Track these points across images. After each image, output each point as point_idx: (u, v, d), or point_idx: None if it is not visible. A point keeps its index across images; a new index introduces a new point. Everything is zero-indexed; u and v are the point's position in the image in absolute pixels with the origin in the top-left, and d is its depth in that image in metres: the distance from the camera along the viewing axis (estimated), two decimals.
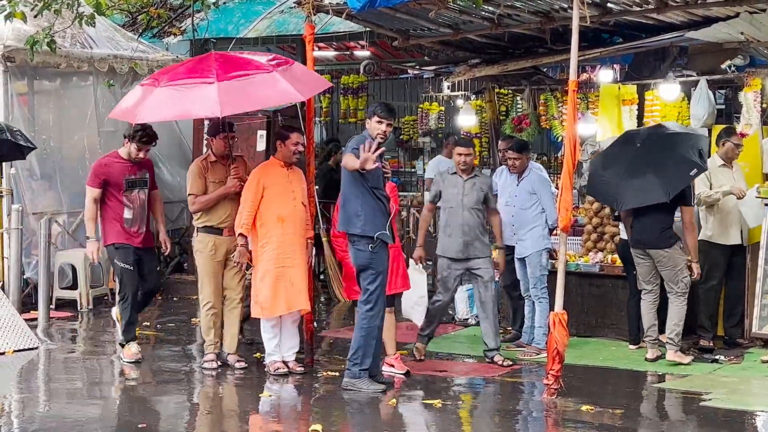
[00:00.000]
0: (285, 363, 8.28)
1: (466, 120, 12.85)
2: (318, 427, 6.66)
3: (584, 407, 7.31)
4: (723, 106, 12.58)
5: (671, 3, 8.87)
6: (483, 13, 9.54)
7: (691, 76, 11.23)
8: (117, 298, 8.80)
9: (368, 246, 7.59)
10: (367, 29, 11.70)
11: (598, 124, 11.47)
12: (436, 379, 8.26)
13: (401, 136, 15.74)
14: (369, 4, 8.49)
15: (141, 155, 8.68)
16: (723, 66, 11.05)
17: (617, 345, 9.44)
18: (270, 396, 7.69)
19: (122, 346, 8.78)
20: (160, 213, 9.10)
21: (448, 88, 14.03)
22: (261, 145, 11.75)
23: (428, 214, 9.17)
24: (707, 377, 8.40)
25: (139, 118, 8.22)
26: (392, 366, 8.22)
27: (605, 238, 10.42)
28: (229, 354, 8.53)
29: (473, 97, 13.60)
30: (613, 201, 8.99)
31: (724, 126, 10.12)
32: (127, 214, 8.63)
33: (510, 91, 12.92)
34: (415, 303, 8.92)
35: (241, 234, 8.16)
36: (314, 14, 9.13)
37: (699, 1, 8.80)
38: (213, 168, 8.49)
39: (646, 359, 8.81)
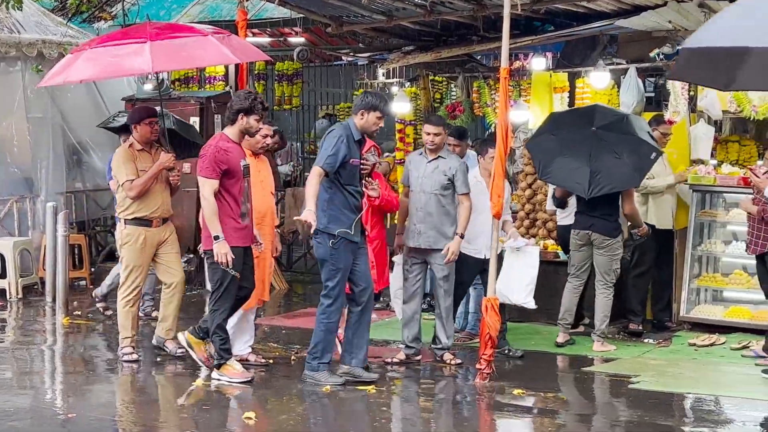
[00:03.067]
0: (244, 359, 8.04)
1: (401, 107, 12.85)
2: (251, 414, 6.66)
3: (516, 391, 7.41)
4: (652, 94, 12.76)
5: None
6: (416, 0, 9.58)
7: (620, 64, 11.39)
8: (208, 308, 7.70)
9: (329, 242, 7.40)
10: (301, 15, 11.66)
11: (530, 111, 11.57)
12: (371, 365, 8.28)
13: (337, 122, 15.71)
14: None
15: (262, 126, 7.69)
16: (652, 54, 11.22)
17: (549, 330, 9.54)
18: (203, 384, 7.64)
19: (218, 367, 7.60)
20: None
21: (383, 75, 14.03)
22: None
23: (405, 199, 8.38)
24: (636, 360, 8.55)
25: (69, 78, 8.03)
26: None
27: (538, 224, 10.54)
28: (167, 340, 8.34)
29: (408, 84, 13.61)
30: (581, 188, 8.71)
31: (653, 114, 10.28)
32: (243, 207, 7.50)
33: (444, 78, 12.97)
34: (393, 295, 8.56)
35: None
36: (247, 0, 9.09)
37: None
38: (140, 156, 8.16)
39: (556, 344, 8.92)
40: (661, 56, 11.18)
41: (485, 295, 7.72)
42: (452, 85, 12.85)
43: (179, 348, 8.25)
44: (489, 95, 11.97)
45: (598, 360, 8.57)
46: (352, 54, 13.42)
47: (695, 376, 8.07)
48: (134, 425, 6.72)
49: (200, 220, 7.80)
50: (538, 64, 12.35)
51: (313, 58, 14.30)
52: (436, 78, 13.07)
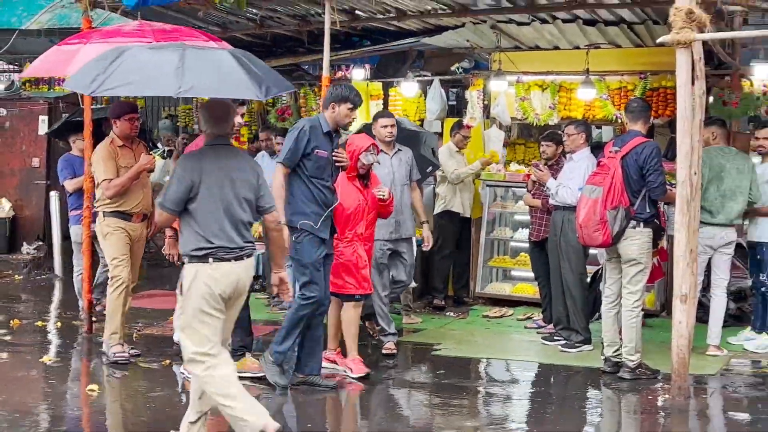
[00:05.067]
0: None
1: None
2: (94, 387, 6.44)
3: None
4: (454, 102, 13.06)
5: (409, 12, 9.13)
6: (248, 14, 9.47)
7: (426, 76, 11.61)
8: None
9: (292, 236, 6.36)
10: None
11: None
12: None
13: (177, 123, 15.34)
14: (141, 2, 8.24)
15: (238, 120, 6.37)
16: (452, 68, 11.50)
17: None
18: (50, 360, 7.32)
19: (242, 355, 6.82)
20: None
21: None
22: (42, 129, 11.20)
23: None
24: (439, 331, 8.72)
25: (70, 71, 6.87)
26: (334, 362, 7.07)
27: None
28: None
29: None
30: None
31: (456, 119, 10.52)
32: None
33: None
34: None
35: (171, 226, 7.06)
36: (91, 9, 8.75)
37: (431, 12, 9.10)
38: (121, 152, 7.24)
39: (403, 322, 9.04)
40: (461, 70, 11.46)
41: None
42: None
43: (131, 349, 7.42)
44: (314, 100, 11.97)
45: (407, 331, 8.69)
46: None
47: (488, 343, 8.29)
48: None
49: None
50: (357, 74, 12.44)
51: None
52: None
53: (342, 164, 6.61)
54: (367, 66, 13.23)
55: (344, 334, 7.04)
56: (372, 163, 6.99)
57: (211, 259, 4.94)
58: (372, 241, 7.16)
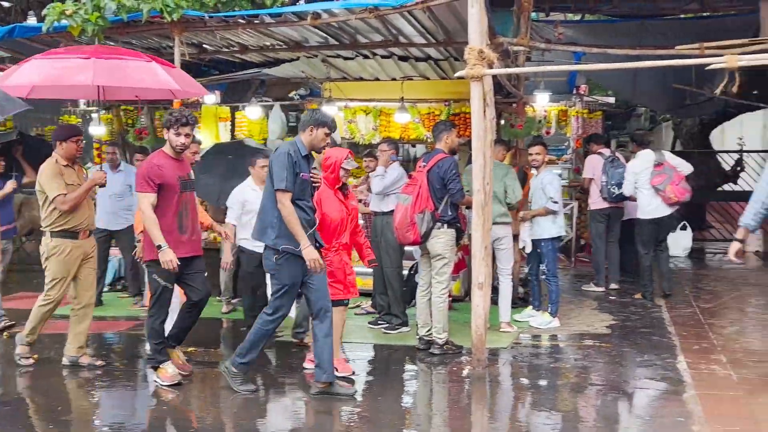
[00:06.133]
0: None
1: (98, 130, 12.24)
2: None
3: (190, 349, 7.29)
4: (294, 124, 13.11)
5: (250, 47, 9.10)
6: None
7: (268, 101, 11.60)
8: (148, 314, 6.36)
9: (273, 257, 5.86)
10: (10, 55, 10.72)
11: (202, 135, 11.47)
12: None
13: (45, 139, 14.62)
14: (7, 35, 7.86)
15: (182, 140, 6.11)
16: (291, 94, 11.52)
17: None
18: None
19: (155, 369, 6.35)
20: (203, 215, 6.61)
21: (84, 103, 13.27)
22: None
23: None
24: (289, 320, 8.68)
25: (7, 82, 6.47)
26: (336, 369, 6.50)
27: None
28: (81, 356, 6.77)
29: (104, 111, 12.99)
30: (215, 199, 8.71)
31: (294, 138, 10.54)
32: (181, 220, 6.16)
33: (133, 107, 12.51)
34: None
35: (142, 231, 6.40)
36: None
37: (270, 47, 9.11)
38: (65, 171, 6.57)
39: (222, 312, 8.93)
40: (298, 96, 11.49)
41: None
42: (141, 114, 12.44)
43: (95, 359, 6.82)
44: None
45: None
46: None
47: None
48: None
49: (140, 231, 6.58)
50: (208, 99, 12.25)
51: None
52: (128, 107, 12.59)
53: (317, 184, 6.24)
54: (217, 92, 13.07)
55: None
56: (353, 168, 6.64)
57: None
58: (351, 248, 6.77)
